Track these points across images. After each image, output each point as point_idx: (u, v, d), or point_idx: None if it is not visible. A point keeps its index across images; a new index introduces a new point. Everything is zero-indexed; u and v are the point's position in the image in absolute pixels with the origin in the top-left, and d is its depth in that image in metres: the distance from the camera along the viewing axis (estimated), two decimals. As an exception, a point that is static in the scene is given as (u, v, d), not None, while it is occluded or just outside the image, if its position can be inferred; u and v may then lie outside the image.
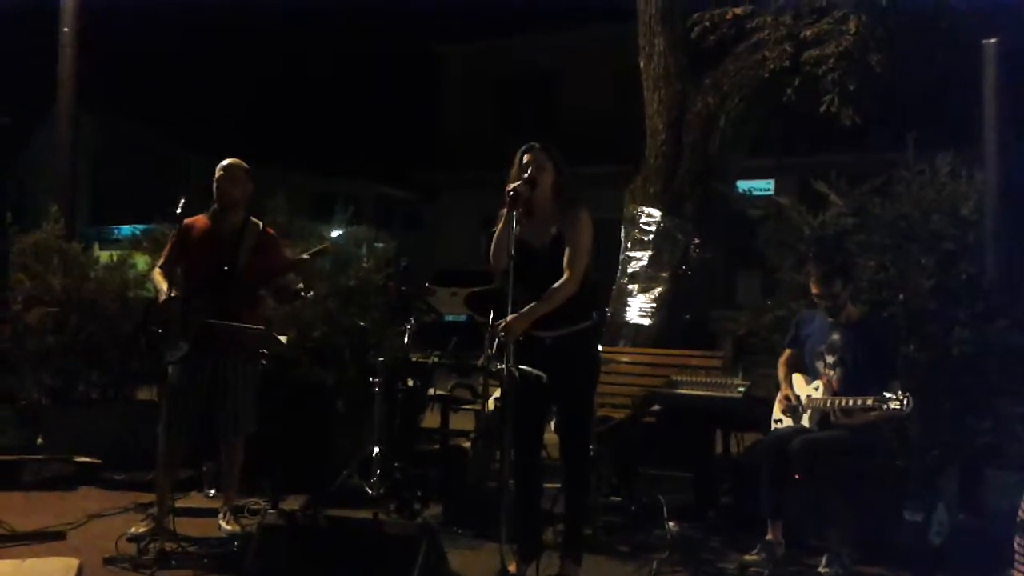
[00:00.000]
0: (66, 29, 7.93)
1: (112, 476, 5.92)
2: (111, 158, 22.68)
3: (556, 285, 4.09)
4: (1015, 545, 3.97)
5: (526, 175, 4.12)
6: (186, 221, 4.92)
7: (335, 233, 5.27)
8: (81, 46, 7.94)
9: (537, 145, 4.23)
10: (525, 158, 4.18)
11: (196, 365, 4.75)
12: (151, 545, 4.37)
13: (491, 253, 4.19)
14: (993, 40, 5.39)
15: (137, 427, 5.96)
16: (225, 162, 4.99)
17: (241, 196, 4.99)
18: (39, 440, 6.49)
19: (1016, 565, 3.96)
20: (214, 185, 4.96)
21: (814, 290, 4.77)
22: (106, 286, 6.79)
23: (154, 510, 4.75)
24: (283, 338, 5.21)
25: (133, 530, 4.65)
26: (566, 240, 4.14)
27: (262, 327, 4.95)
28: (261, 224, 5.07)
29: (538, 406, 4.25)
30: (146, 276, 5.13)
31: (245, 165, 5.02)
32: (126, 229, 12.15)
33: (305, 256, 5.06)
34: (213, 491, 5.53)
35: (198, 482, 5.70)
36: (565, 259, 4.11)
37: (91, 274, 6.91)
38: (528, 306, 4.04)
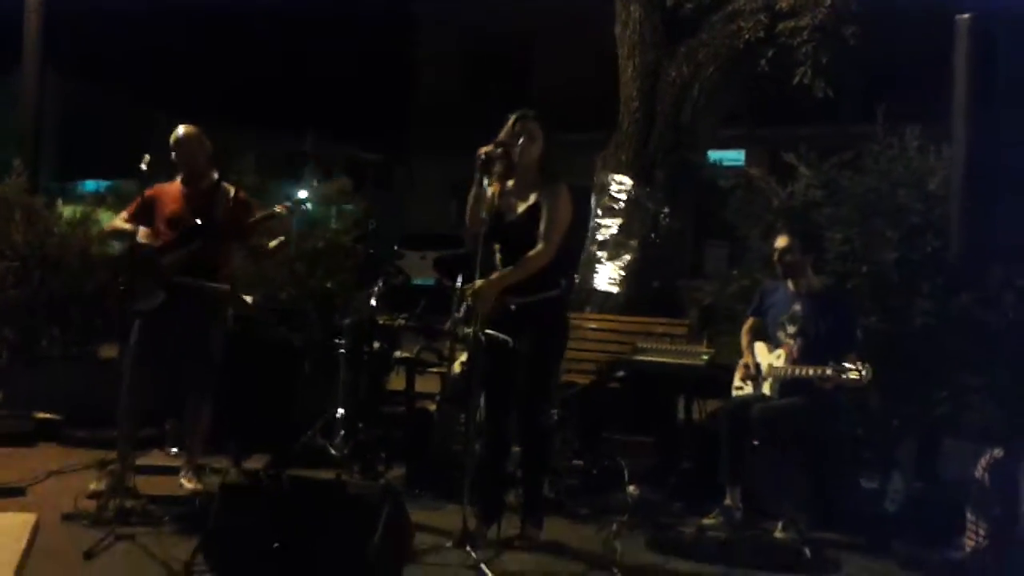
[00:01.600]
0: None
1: (73, 433, 5.88)
2: (76, 114, 22.27)
3: (531, 254, 4.09)
4: (967, 513, 4.07)
5: (514, 140, 4.09)
6: (155, 188, 4.89)
7: (303, 193, 5.20)
8: (47, 3, 7.78)
9: (531, 113, 4.20)
10: (518, 126, 4.15)
11: (163, 321, 4.70)
12: (111, 502, 4.35)
13: (467, 215, 4.18)
14: (966, 15, 5.40)
15: (99, 384, 5.89)
16: (178, 134, 4.88)
17: (204, 161, 4.92)
18: (-1, 396, 6.42)
19: (968, 532, 4.06)
20: (173, 157, 4.86)
21: (777, 246, 4.81)
22: (70, 242, 6.70)
23: (115, 466, 4.72)
24: (248, 298, 5.18)
25: (93, 487, 4.62)
26: (544, 211, 4.13)
27: (227, 286, 4.92)
28: (233, 189, 5.00)
29: (506, 371, 4.26)
30: (104, 233, 5.06)
31: (195, 129, 4.91)
32: (90, 184, 11.97)
33: (278, 209, 4.89)
34: (175, 449, 5.50)
35: (160, 440, 5.67)
36: (541, 228, 4.11)
37: (55, 229, 6.81)
38: (499, 272, 4.04)
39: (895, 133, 5.77)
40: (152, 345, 4.71)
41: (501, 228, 4.06)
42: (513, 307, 4.12)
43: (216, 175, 4.97)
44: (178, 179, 4.95)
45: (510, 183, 4.21)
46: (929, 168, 5.58)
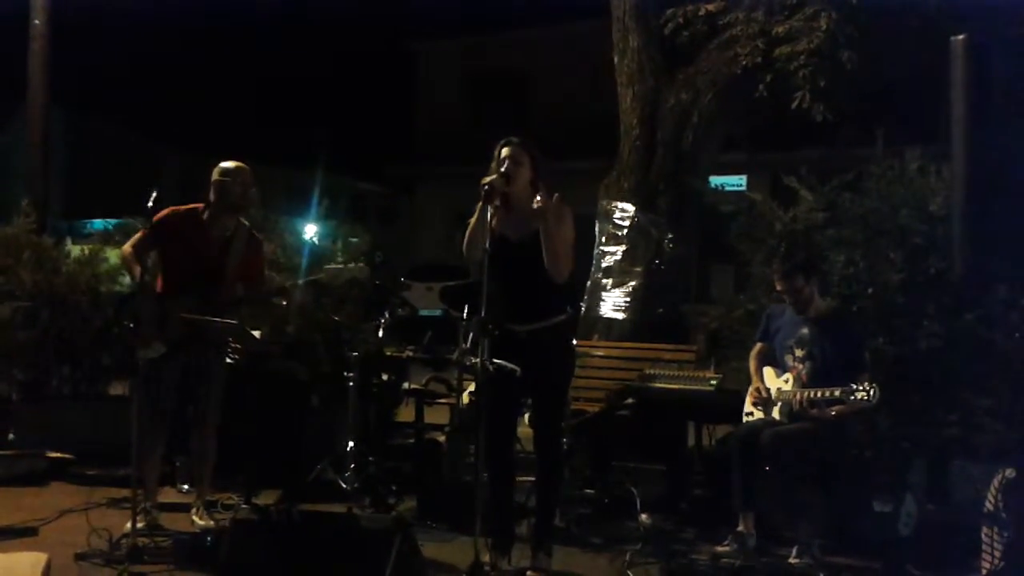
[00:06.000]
0: (36, 22, 7.86)
1: (84, 471, 5.88)
2: (84, 152, 22.46)
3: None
4: (982, 535, 4.05)
5: (503, 169, 4.14)
6: (173, 210, 4.84)
7: (309, 229, 5.23)
8: (52, 39, 7.88)
9: (515, 140, 4.26)
10: (503, 152, 4.21)
11: (171, 360, 4.73)
12: (123, 540, 4.34)
13: (464, 245, 4.21)
14: (961, 36, 5.45)
15: (109, 422, 5.92)
16: (233, 165, 4.86)
17: (243, 200, 4.90)
18: (10, 435, 6.44)
19: (983, 554, 4.04)
20: (221, 187, 4.82)
21: (777, 286, 4.85)
22: (78, 280, 6.75)
23: (146, 504, 4.75)
24: (256, 333, 5.20)
25: (128, 527, 4.46)
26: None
27: (235, 321, 4.94)
28: (248, 224, 5.03)
29: (512, 400, 4.28)
30: (120, 263, 5.06)
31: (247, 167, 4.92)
32: (98, 223, 12.05)
33: (295, 283, 4.96)
34: (186, 486, 5.52)
35: (170, 477, 5.67)
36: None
37: (63, 268, 6.86)
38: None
39: (895, 155, 5.80)
40: (161, 383, 4.74)
41: (503, 255, 4.08)
42: (523, 335, 4.15)
43: (241, 218, 4.97)
44: (200, 208, 4.87)
45: (507, 211, 4.24)
46: (930, 189, 5.61)
